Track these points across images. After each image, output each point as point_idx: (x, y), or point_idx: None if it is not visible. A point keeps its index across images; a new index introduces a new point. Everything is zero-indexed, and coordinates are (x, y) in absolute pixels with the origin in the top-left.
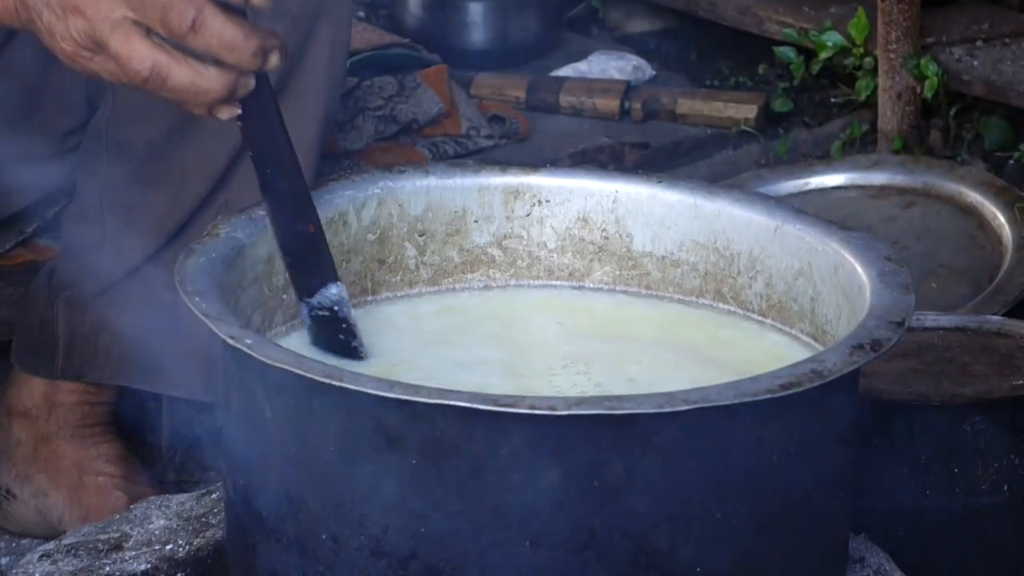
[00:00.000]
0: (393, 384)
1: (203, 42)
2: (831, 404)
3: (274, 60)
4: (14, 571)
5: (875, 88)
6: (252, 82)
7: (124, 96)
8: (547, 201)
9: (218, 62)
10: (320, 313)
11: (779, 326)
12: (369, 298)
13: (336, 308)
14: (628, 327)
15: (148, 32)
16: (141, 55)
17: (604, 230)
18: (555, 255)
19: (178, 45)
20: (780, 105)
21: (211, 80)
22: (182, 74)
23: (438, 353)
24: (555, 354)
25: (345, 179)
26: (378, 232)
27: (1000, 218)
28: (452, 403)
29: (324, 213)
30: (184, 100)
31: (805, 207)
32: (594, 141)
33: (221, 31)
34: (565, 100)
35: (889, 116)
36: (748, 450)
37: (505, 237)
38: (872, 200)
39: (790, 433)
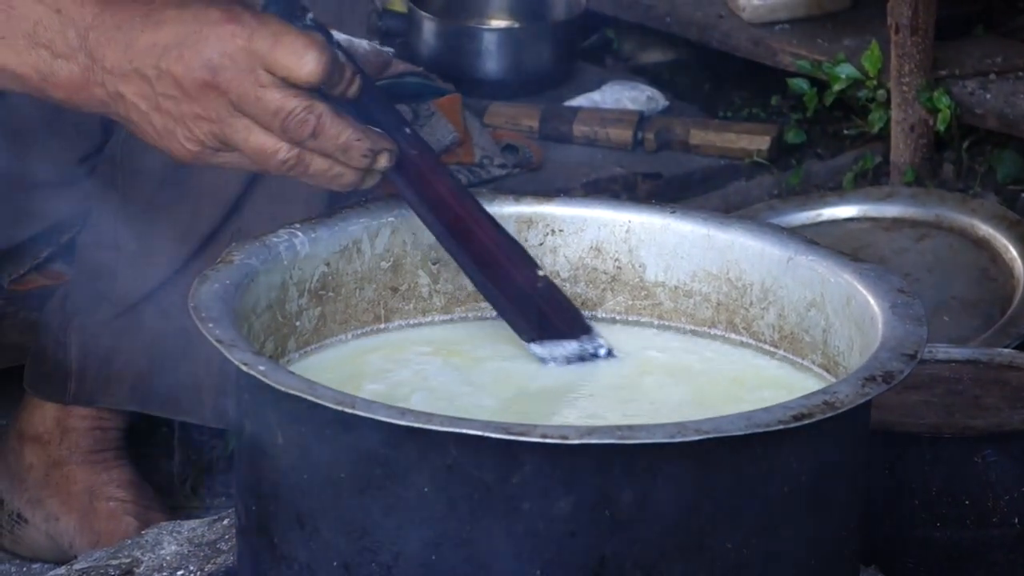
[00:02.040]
0: (405, 412)
1: (320, 147)
2: (843, 435)
3: (383, 162)
4: None
5: (888, 120)
6: (386, 160)
7: None
8: (560, 230)
9: None
10: None
11: (791, 357)
12: (382, 326)
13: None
14: (640, 356)
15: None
16: (277, 146)
17: (617, 260)
18: (568, 284)
19: None
20: (793, 136)
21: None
22: (319, 158)
23: (449, 379)
24: (567, 383)
25: (359, 207)
26: (391, 260)
27: (1012, 251)
28: (464, 431)
29: (338, 241)
30: (322, 183)
31: (817, 238)
32: (607, 171)
33: (337, 135)
34: (578, 130)
35: (902, 148)
36: (759, 480)
37: None
38: (884, 232)
39: (801, 464)
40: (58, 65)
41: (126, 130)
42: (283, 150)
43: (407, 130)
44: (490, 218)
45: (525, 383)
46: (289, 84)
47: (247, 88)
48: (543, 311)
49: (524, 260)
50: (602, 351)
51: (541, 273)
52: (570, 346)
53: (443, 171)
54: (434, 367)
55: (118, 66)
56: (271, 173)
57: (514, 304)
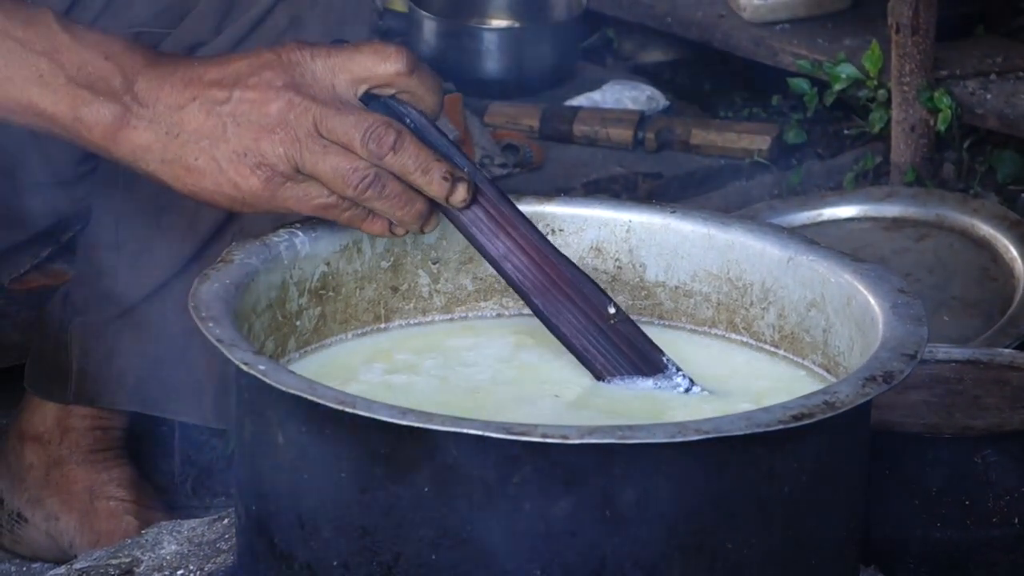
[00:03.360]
0: (405, 411)
1: (400, 163)
2: (843, 435)
3: (461, 191)
4: None
5: (888, 120)
6: (464, 191)
7: None
8: (560, 230)
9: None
10: None
11: (791, 357)
12: (382, 325)
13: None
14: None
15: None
16: (355, 165)
17: (617, 259)
18: None
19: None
20: (793, 136)
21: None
22: (396, 180)
23: (450, 379)
24: (567, 382)
25: None
26: (392, 260)
27: (1013, 251)
28: (464, 431)
29: (339, 240)
30: (394, 211)
31: (817, 238)
32: (608, 171)
33: (417, 153)
34: (579, 129)
35: (902, 148)
36: (760, 480)
37: None
38: (885, 232)
39: (801, 464)
40: (98, 104)
41: (161, 182)
42: (362, 166)
43: (476, 167)
44: (557, 252)
45: (525, 383)
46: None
47: (328, 105)
48: (615, 348)
49: (594, 295)
50: (679, 390)
51: (612, 310)
52: (644, 383)
53: (511, 208)
54: (434, 366)
55: (175, 103)
56: (339, 210)
57: (585, 341)
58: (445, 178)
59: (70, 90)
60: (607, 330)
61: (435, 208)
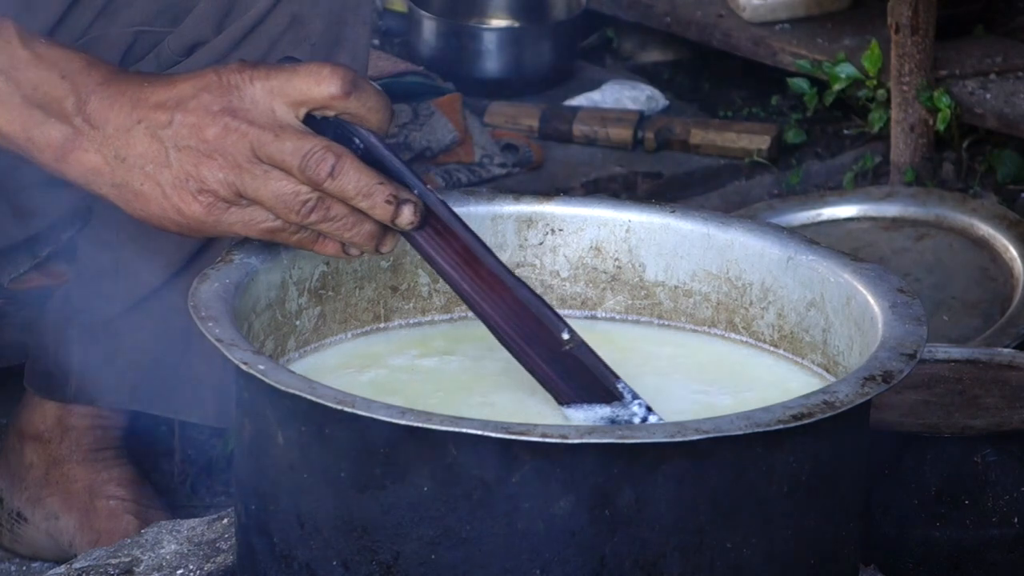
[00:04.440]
0: (405, 411)
1: (340, 188)
2: (842, 435)
3: (407, 213)
4: None
5: (888, 120)
6: (410, 213)
7: None
8: (560, 230)
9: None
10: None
11: (791, 357)
12: (382, 325)
13: None
14: (640, 357)
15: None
16: (297, 189)
17: (617, 259)
18: (567, 284)
19: None
20: (793, 136)
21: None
22: (340, 204)
23: (450, 379)
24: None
25: None
26: (391, 259)
27: (1012, 251)
28: (464, 430)
29: None
30: (342, 233)
31: (817, 238)
32: (607, 170)
33: (358, 177)
34: (578, 129)
35: (902, 148)
36: (759, 480)
37: (518, 265)
38: (884, 232)
39: (801, 463)
40: (49, 126)
41: (116, 206)
42: (304, 191)
43: (426, 187)
44: (513, 276)
45: (525, 383)
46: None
47: (266, 129)
48: (570, 375)
49: (549, 321)
50: (636, 419)
51: (566, 336)
52: (602, 411)
53: (463, 228)
54: (433, 366)
55: (122, 125)
56: (286, 233)
57: (544, 366)
58: (388, 201)
59: (24, 109)
60: (562, 356)
61: (388, 229)
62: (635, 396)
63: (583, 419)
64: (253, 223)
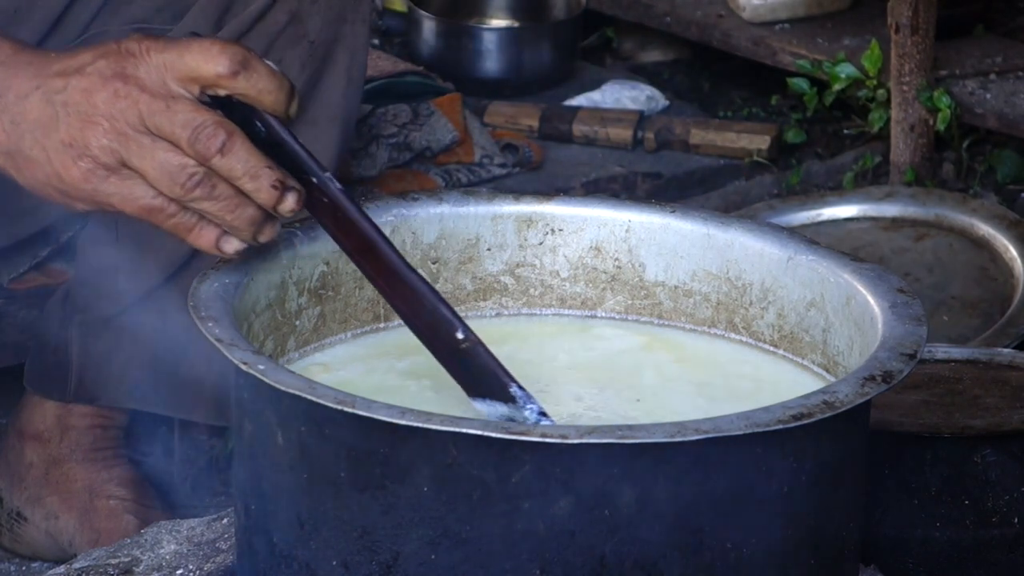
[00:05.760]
0: (405, 411)
1: (228, 166)
2: (842, 435)
3: (290, 201)
4: None
5: (888, 120)
6: (293, 202)
7: None
8: (560, 230)
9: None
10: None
11: (791, 357)
12: (382, 325)
13: None
14: (640, 356)
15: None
16: (183, 162)
17: (617, 259)
18: (567, 284)
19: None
20: (793, 136)
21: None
22: (226, 183)
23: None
24: (566, 383)
25: None
26: None
27: (1012, 251)
28: (464, 431)
29: None
30: (223, 214)
31: (817, 238)
32: (607, 170)
33: (247, 157)
34: (578, 129)
35: (902, 148)
36: (759, 480)
37: (518, 265)
38: (884, 232)
39: (801, 464)
40: None
41: (10, 177)
42: (191, 164)
43: (326, 175)
44: (412, 271)
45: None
46: (202, 103)
47: (158, 98)
48: (468, 372)
49: (445, 319)
50: (531, 420)
51: (460, 336)
52: (503, 409)
53: (364, 220)
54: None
55: (21, 92)
56: (164, 214)
57: (448, 359)
58: (274, 186)
59: None
60: (460, 353)
61: (270, 217)
62: (528, 400)
63: (488, 412)
64: (132, 197)
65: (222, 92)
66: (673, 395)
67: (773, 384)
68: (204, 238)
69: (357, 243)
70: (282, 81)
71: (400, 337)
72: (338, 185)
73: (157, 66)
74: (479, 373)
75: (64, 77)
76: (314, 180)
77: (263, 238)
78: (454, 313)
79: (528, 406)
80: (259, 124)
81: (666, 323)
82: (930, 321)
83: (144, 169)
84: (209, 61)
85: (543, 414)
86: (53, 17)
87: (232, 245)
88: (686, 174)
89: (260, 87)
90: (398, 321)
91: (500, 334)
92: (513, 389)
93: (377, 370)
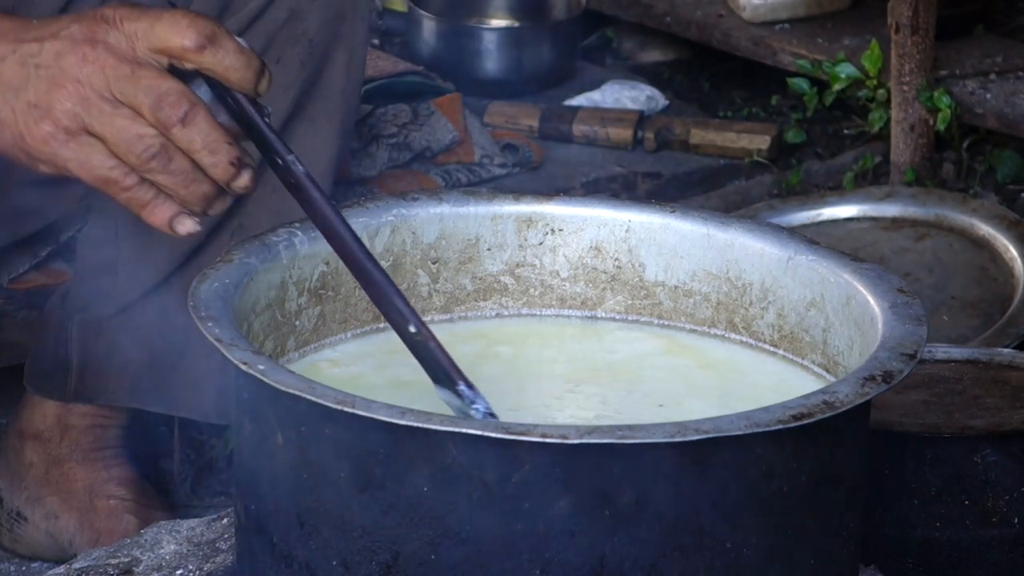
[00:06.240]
0: (405, 411)
1: (188, 137)
2: (842, 435)
3: (245, 178)
4: None
5: (888, 120)
6: (247, 179)
7: None
8: (560, 230)
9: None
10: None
11: (791, 357)
12: (381, 325)
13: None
14: (640, 356)
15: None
16: (143, 131)
17: (617, 259)
18: (567, 284)
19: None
20: (793, 136)
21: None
22: (184, 157)
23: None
24: (567, 383)
25: (359, 206)
26: (391, 259)
27: (1012, 251)
28: (464, 431)
29: None
30: (177, 188)
31: (817, 238)
32: (607, 170)
33: (208, 131)
34: (578, 129)
35: (902, 148)
36: (759, 480)
37: (518, 265)
38: (884, 232)
39: (801, 463)
40: None
41: None
42: (150, 134)
43: (291, 157)
44: (372, 261)
45: (524, 382)
46: (170, 71)
47: (124, 63)
48: (427, 361)
49: (397, 312)
50: (478, 415)
51: (413, 330)
52: (456, 403)
53: (327, 206)
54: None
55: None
56: (119, 187)
57: (409, 349)
58: (232, 163)
59: None
60: (415, 345)
61: (223, 192)
62: (475, 399)
63: (447, 401)
64: (89, 165)
65: (188, 65)
66: (673, 395)
67: (773, 384)
68: (158, 215)
69: (320, 226)
70: (250, 59)
71: None
72: (301, 168)
73: (128, 34)
74: (432, 366)
75: (39, 41)
76: (279, 162)
77: (212, 212)
78: (407, 305)
79: (473, 406)
80: (230, 101)
81: (666, 323)
82: (930, 321)
83: (104, 135)
84: (177, 33)
85: (491, 414)
86: (51, 15)
87: (185, 227)
88: (686, 174)
89: (227, 63)
90: None
91: (500, 334)
92: (460, 387)
93: (389, 364)
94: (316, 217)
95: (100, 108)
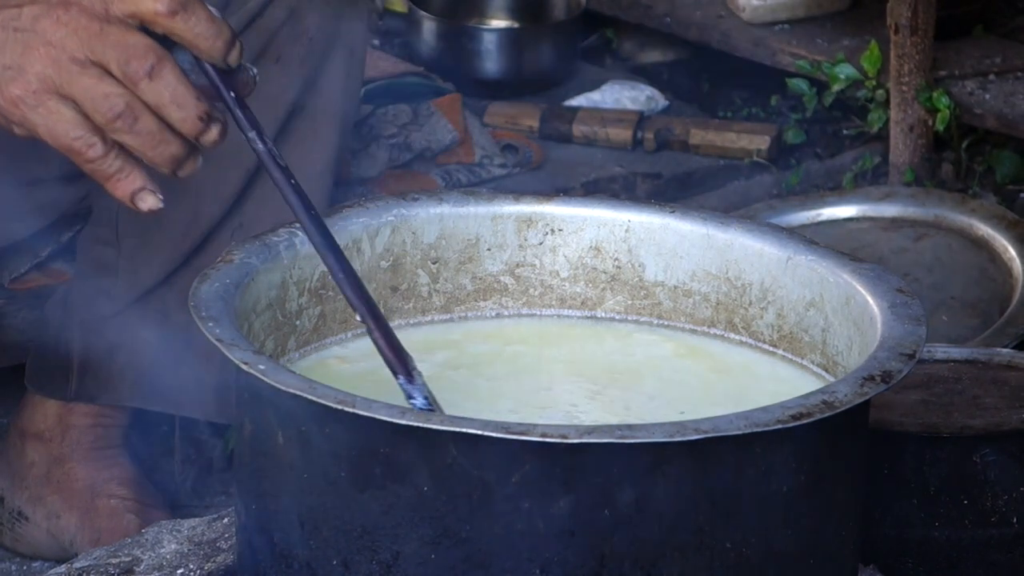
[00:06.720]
0: (405, 411)
1: (155, 91)
2: (841, 435)
3: (214, 132)
4: None
5: (887, 120)
6: (216, 133)
7: None
8: (560, 230)
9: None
10: None
11: (790, 357)
12: None
13: None
14: (639, 356)
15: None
16: (109, 91)
17: (616, 259)
18: (567, 284)
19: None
20: (792, 136)
21: (173, 132)
22: (150, 117)
23: (450, 380)
24: (566, 382)
25: (359, 206)
26: (391, 259)
27: (1011, 251)
28: (464, 430)
29: (338, 240)
30: (144, 149)
31: (817, 238)
32: (607, 171)
33: (175, 85)
34: (578, 129)
35: (901, 148)
36: (758, 480)
37: (518, 265)
38: (884, 232)
39: (800, 463)
40: None
41: None
42: (116, 92)
43: (260, 135)
44: (333, 246)
45: (524, 382)
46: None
47: (94, 21)
48: (382, 352)
49: (351, 303)
50: (417, 405)
51: (359, 319)
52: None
53: (291, 190)
54: (432, 366)
55: None
56: (84, 157)
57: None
58: (200, 118)
59: None
60: (368, 334)
61: (192, 153)
62: (412, 394)
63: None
64: (55, 132)
65: (159, 30)
66: (672, 395)
67: (772, 384)
68: (121, 188)
69: (287, 203)
70: (221, 28)
71: (408, 335)
72: (262, 146)
73: None
74: (385, 355)
75: (20, 6)
76: (245, 136)
77: (182, 173)
78: (360, 297)
79: (411, 400)
80: (203, 71)
81: (666, 323)
82: (929, 321)
83: (74, 95)
84: (131, 55)
85: (429, 409)
86: None
87: (146, 203)
88: (686, 174)
89: (197, 31)
90: (398, 321)
91: (500, 334)
92: (400, 380)
93: None
94: (282, 194)
95: (69, 69)
